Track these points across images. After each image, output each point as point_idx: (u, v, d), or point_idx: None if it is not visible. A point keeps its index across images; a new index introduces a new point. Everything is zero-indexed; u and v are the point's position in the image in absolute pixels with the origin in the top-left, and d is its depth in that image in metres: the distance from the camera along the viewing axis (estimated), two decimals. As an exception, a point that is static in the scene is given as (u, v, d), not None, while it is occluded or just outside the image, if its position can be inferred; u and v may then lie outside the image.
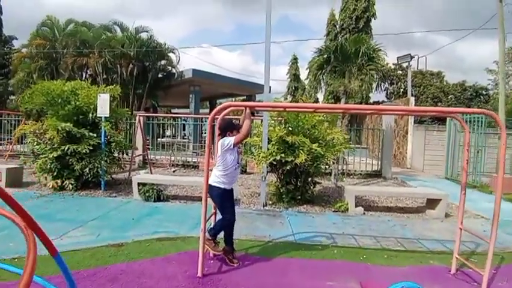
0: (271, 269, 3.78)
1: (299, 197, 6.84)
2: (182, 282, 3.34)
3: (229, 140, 3.62)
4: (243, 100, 26.13)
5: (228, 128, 3.77)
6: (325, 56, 9.81)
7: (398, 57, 14.47)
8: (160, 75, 17.45)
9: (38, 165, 7.28)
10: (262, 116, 6.80)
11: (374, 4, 19.69)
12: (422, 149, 14.45)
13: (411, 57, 14.59)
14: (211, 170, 3.75)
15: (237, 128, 3.78)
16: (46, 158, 7.18)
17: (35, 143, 7.42)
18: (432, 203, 6.76)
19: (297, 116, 6.63)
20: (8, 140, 13.95)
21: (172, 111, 29.28)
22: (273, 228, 5.30)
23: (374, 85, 10.97)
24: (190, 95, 18.53)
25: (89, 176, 7.20)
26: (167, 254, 4.02)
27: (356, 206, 6.55)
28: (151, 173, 9.96)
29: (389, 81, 17.42)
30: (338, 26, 19.95)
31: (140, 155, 11.06)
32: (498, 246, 4.45)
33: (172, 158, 11.76)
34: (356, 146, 10.56)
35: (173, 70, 17.25)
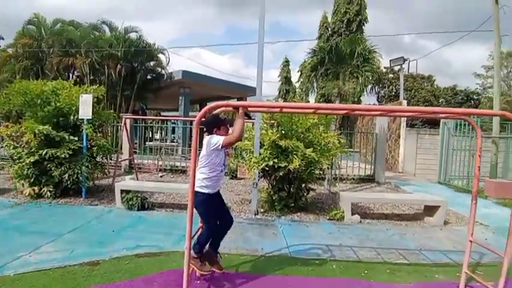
0: (264, 289, 3.37)
1: (292, 205, 6.45)
2: (163, 308, 2.91)
3: (218, 139, 3.19)
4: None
5: (215, 123, 3.35)
6: (319, 56, 9.44)
7: (390, 60, 14.24)
8: (149, 77, 16.90)
9: (15, 170, 6.76)
10: (254, 119, 6.39)
11: (365, 8, 19.56)
12: (414, 153, 14.20)
13: (404, 60, 14.38)
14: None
15: (225, 123, 3.38)
16: (23, 163, 6.65)
17: (12, 146, 6.89)
18: (430, 209, 6.43)
19: (291, 119, 6.25)
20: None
21: (162, 114, 28.70)
22: (266, 239, 4.88)
23: (369, 87, 10.64)
24: (180, 97, 18.02)
25: (68, 182, 6.68)
26: (149, 273, 3.57)
27: (352, 213, 6.18)
28: (137, 178, 9.46)
29: (380, 85, 17.20)
30: (330, 29, 19.74)
31: (126, 159, 10.54)
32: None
33: (160, 163, 11.25)
34: (349, 150, 10.20)
35: (163, 71, 16.71)
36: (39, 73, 16.24)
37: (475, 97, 19.37)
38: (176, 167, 11.41)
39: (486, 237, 5.59)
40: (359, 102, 21.43)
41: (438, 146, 12.81)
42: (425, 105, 19.12)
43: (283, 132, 6.34)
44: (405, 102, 14.51)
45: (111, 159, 9.42)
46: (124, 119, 8.88)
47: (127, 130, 9.16)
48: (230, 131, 3.56)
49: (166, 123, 16.95)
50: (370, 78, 9.65)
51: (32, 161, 6.53)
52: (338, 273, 3.83)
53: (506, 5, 10.43)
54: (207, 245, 3.44)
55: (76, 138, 6.83)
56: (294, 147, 5.87)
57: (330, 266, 3.99)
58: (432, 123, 19.56)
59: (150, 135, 24.29)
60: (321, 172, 6.88)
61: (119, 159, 10.33)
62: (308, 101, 17.38)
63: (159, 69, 16.90)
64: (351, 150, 9.71)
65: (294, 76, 29.44)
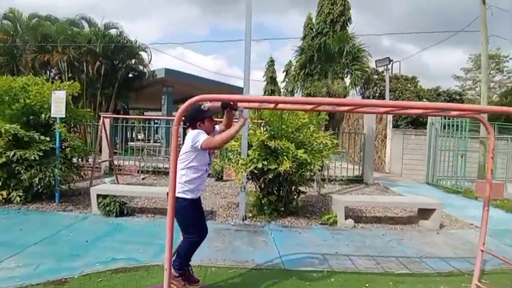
0: (257, 310, 2.94)
1: (282, 209, 6.04)
2: None
3: (203, 136, 2.76)
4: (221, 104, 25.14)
5: (197, 115, 2.89)
6: (308, 54, 9.06)
7: (376, 61, 14.04)
8: (130, 75, 16.21)
9: (-20, 174, 6.12)
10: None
11: (349, 9, 19.38)
12: (400, 153, 14.04)
13: (390, 61, 14.23)
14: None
15: (209, 115, 2.93)
16: (-11, 166, 6.02)
17: (-24, 148, 6.24)
18: (425, 212, 6.14)
19: (280, 118, 5.84)
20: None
21: (146, 114, 27.81)
22: (256, 249, 4.44)
23: (358, 87, 10.33)
24: (163, 96, 17.35)
25: (39, 187, 6.08)
26: (124, 293, 3.09)
27: (346, 217, 5.81)
28: (117, 181, 8.88)
29: (367, 85, 17.03)
30: (314, 29, 19.46)
31: (105, 160, 9.92)
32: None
33: (142, 164, 10.67)
34: (338, 151, 9.87)
35: (145, 69, 16.04)
36: (14, 71, 15.34)
37: (457, 97, 19.46)
38: (159, 168, 10.84)
39: (483, 242, 5.32)
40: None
41: (424, 147, 12.69)
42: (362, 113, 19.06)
43: (272, 132, 5.93)
44: (390, 103, 14.30)
45: (87, 161, 8.79)
46: (102, 118, 8.29)
47: (105, 130, 8.57)
48: (217, 127, 3.11)
49: (149, 123, 16.29)
50: (360, 77, 9.32)
51: (-1, 163, 5.91)
52: (337, 287, 3.44)
53: (494, 6, 10.37)
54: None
55: (48, 139, 6.23)
56: (284, 148, 5.46)
57: (329, 279, 3.59)
58: (416, 124, 19.58)
59: (133, 136, 23.60)
60: (312, 174, 6.49)
61: (98, 161, 9.73)
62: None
63: (141, 67, 16.24)
64: (339, 151, 9.32)
65: (279, 76, 29.23)
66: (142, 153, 11.32)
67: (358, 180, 10.79)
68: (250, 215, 6.04)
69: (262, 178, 5.87)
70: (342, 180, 10.55)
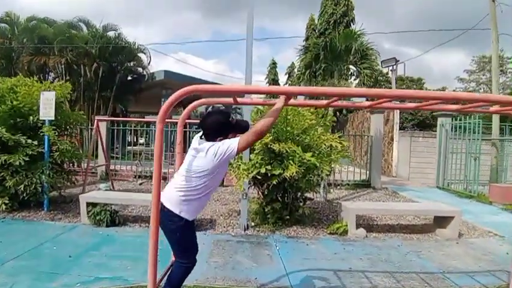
0: None
1: (287, 217, 5.56)
2: None
3: (231, 143, 2.19)
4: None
5: (223, 129, 2.32)
6: (313, 53, 8.62)
7: (382, 61, 13.61)
8: (129, 78, 15.81)
9: (-37, 180, 5.68)
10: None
11: (353, 9, 18.98)
12: (407, 156, 13.55)
13: (396, 61, 13.78)
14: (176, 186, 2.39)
15: (236, 132, 2.36)
16: (-27, 172, 5.58)
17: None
18: (441, 220, 5.65)
19: (285, 119, 5.38)
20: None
21: (146, 117, 27.32)
22: (260, 264, 3.96)
23: (366, 87, 9.85)
24: (162, 99, 16.86)
25: (24, 194, 5.63)
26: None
27: (357, 226, 5.33)
28: (113, 187, 8.43)
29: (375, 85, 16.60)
30: (317, 30, 19.09)
31: (99, 165, 9.48)
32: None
33: (140, 169, 10.22)
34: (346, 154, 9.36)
35: (144, 72, 15.63)
36: (12, 74, 14.99)
37: (465, 99, 18.91)
38: (158, 173, 10.37)
39: (507, 251, 4.84)
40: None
41: (432, 150, 12.19)
42: (387, 109, 18.63)
43: (276, 134, 5.47)
44: (397, 104, 13.84)
45: (79, 166, 8.33)
46: (96, 121, 7.86)
47: (100, 134, 8.13)
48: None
49: (148, 127, 15.84)
50: (370, 76, 8.86)
51: (-18, 169, 5.48)
52: (355, 312, 2.96)
53: (503, 3, 9.91)
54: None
55: (36, 143, 5.79)
56: (290, 152, 4.99)
57: (344, 302, 3.11)
58: (422, 126, 19.08)
59: (134, 140, 23.13)
60: (320, 179, 6.01)
61: (93, 165, 9.31)
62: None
63: (140, 70, 15.82)
64: (348, 154, 8.77)
65: (281, 79, 28.78)
66: (139, 158, 10.87)
67: (365, 184, 10.28)
68: (253, 224, 5.56)
69: (265, 184, 5.40)
70: (348, 184, 10.05)
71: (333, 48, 8.24)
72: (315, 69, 8.95)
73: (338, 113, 14.60)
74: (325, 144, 5.44)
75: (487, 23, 11.13)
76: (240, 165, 5.20)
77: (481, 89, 34.35)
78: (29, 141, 5.74)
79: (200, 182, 2.26)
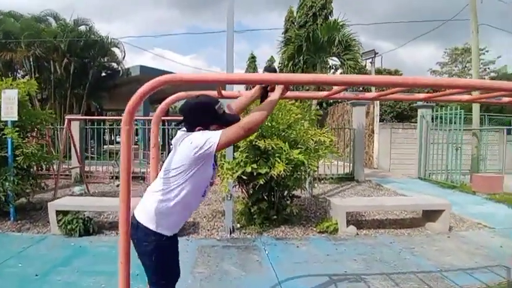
0: None
1: (275, 217, 5.25)
2: None
3: (211, 136, 1.73)
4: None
5: (206, 116, 1.84)
6: (295, 45, 8.29)
7: (361, 53, 13.48)
8: (103, 74, 15.04)
9: None
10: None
11: (331, 2, 18.82)
12: (388, 148, 13.53)
13: (376, 53, 13.67)
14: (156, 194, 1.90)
15: (222, 123, 1.86)
16: None
17: None
18: (431, 213, 5.50)
19: (270, 114, 5.03)
20: None
21: (123, 115, 26.25)
22: (249, 273, 3.63)
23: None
24: (139, 96, 16.28)
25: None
26: None
27: (347, 224, 5.09)
28: (88, 190, 7.90)
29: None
30: (296, 23, 18.79)
31: (74, 167, 8.89)
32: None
33: (116, 169, 9.66)
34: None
35: (118, 67, 14.89)
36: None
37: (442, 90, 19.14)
38: (136, 173, 9.86)
39: (500, 244, 4.73)
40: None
41: (412, 141, 12.18)
42: (395, 101, 18.68)
43: (261, 130, 5.13)
44: (377, 96, 13.75)
45: (47, 170, 7.74)
46: (66, 120, 7.28)
47: (71, 133, 7.56)
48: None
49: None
50: (353, 67, 8.64)
51: None
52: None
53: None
54: None
55: (-4, 146, 5.23)
56: (276, 149, 4.67)
57: (344, 313, 2.83)
58: (401, 118, 19.18)
59: (112, 138, 22.26)
60: (307, 175, 5.73)
61: (66, 168, 8.73)
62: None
63: (114, 65, 15.08)
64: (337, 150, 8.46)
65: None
66: (116, 158, 10.30)
67: (349, 178, 10.13)
68: (239, 225, 5.23)
69: (251, 183, 5.07)
70: (332, 178, 9.86)
71: (315, 40, 7.95)
72: (296, 62, 8.63)
73: (318, 106, 14.43)
74: (312, 140, 5.15)
75: (463, 15, 11.15)
76: (223, 164, 4.83)
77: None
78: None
79: (176, 183, 1.80)
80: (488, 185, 7.96)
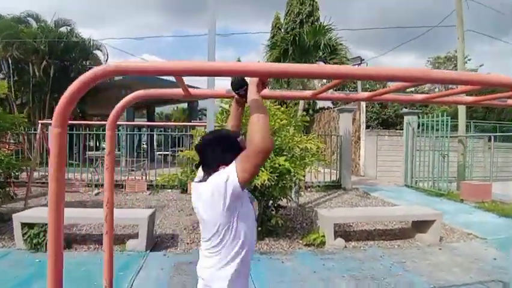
0: None
1: (259, 228, 4.90)
2: None
3: (228, 173, 1.35)
4: (187, 109, 23.48)
5: (229, 148, 1.48)
6: (281, 49, 8.05)
7: (349, 59, 13.35)
8: (85, 78, 14.48)
9: None
10: (205, 121, 4.81)
11: (318, 9, 18.82)
12: (374, 155, 13.39)
13: (362, 60, 13.58)
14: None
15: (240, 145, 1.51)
16: None
17: None
18: (421, 223, 5.25)
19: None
20: None
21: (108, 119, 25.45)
22: (229, 294, 3.27)
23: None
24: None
25: None
26: None
27: (335, 236, 4.78)
28: (63, 198, 7.39)
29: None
30: (283, 29, 18.71)
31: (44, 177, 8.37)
32: None
33: (96, 177, 9.18)
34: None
35: (101, 71, 14.35)
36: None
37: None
38: (117, 181, 9.39)
39: (494, 257, 4.49)
40: (313, 104, 20.61)
41: (398, 148, 12.05)
42: (380, 106, 18.67)
43: (243, 136, 4.80)
44: (363, 103, 13.65)
45: (16, 178, 7.20)
46: (39, 125, 6.82)
47: (45, 139, 7.08)
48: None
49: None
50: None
51: None
52: None
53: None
54: None
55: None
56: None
57: None
58: (387, 125, 19.16)
59: (97, 145, 21.51)
60: (293, 184, 5.42)
61: (43, 175, 8.24)
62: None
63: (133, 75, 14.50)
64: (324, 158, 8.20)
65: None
66: (95, 165, 9.81)
67: (336, 185, 9.88)
68: (221, 238, 4.86)
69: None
70: (319, 186, 9.58)
71: (301, 44, 7.73)
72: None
73: (305, 112, 14.23)
74: (298, 147, 4.85)
75: (447, 22, 11.13)
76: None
77: (436, 88, 35.63)
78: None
79: (226, 235, 1.44)
80: (476, 193, 7.79)
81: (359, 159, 13.89)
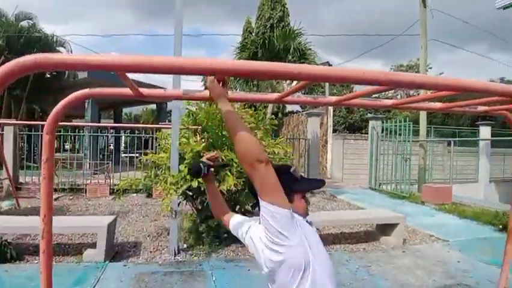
0: None
1: (225, 235, 4.71)
2: None
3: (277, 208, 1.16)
4: (156, 110, 22.85)
5: (284, 183, 1.23)
6: (251, 51, 7.92)
7: (318, 64, 13.50)
8: (47, 75, 13.62)
9: None
10: (170, 123, 4.58)
11: (288, 15, 18.94)
12: (340, 158, 13.57)
13: (330, 66, 13.74)
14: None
15: (303, 190, 1.47)
16: None
17: None
18: (385, 226, 5.28)
19: (220, 123, 4.55)
20: None
21: (74, 121, 24.23)
22: (191, 307, 3.06)
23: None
24: (87, 101, 14.95)
25: None
26: None
27: (302, 241, 4.68)
28: (18, 205, 6.86)
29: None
30: (254, 34, 18.63)
31: (4, 178, 7.74)
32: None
33: (55, 181, 8.59)
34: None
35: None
36: None
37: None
38: (78, 185, 8.86)
39: (458, 259, 4.55)
40: (283, 108, 20.68)
41: (363, 151, 12.28)
42: (347, 111, 19.02)
43: (210, 140, 4.62)
44: (331, 108, 13.82)
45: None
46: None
47: (1, 140, 6.52)
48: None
49: (76, 131, 13.82)
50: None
51: None
52: None
53: (435, 9, 10.12)
54: None
55: None
56: (226, 161, 4.17)
57: None
58: (352, 129, 19.57)
59: (63, 146, 20.36)
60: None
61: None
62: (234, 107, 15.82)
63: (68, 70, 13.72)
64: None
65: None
66: (55, 168, 9.19)
67: (304, 188, 9.85)
68: (186, 245, 4.63)
69: (199, 199, 4.51)
70: (287, 189, 9.50)
71: (271, 47, 7.65)
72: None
73: (274, 116, 14.22)
74: (266, 151, 4.71)
75: (412, 31, 11.49)
76: (167, 178, 4.22)
77: (398, 95, 36.98)
78: None
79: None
80: (437, 195, 8.00)
81: (326, 162, 14.03)
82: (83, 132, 13.49)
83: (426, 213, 7.32)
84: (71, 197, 8.11)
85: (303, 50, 7.94)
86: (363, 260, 4.43)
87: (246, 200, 4.70)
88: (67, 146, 20.03)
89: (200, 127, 4.78)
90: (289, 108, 22.36)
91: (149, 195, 7.91)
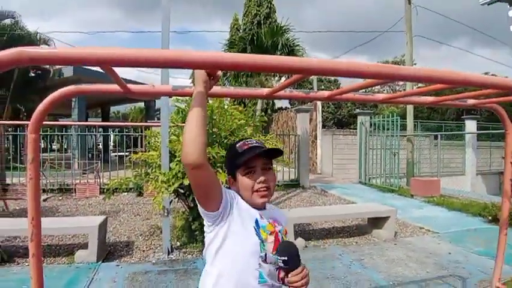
0: None
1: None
2: None
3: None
4: (144, 109, 22.53)
5: (228, 160, 1.35)
6: (239, 48, 7.85)
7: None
8: (32, 74, 13.28)
9: None
10: (159, 121, 4.49)
11: (275, 12, 18.90)
12: (330, 153, 13.62)
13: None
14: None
15: (242, 162, 1.24)
16: None
17: None
18: (376, 220, 5.30)
19: (211, 119, 4.47)
20: None
21: (61, 120, 23.68)
22: (186, 306, 3.01)
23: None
24: (73, 99, 14.62)
25: None
26: None
27: (295, 235, 4.67)
28: (6, 207, 6.67)
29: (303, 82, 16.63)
30: (241, 30, 18.56)
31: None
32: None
33: (44, 181, 8.40)
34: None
35: (49, 67, 13.24)
36: None
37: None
38: (67, 185, 8.67)
39: (448, 251, 4.59)
40: (272, 104, 20.67)
41: (352, 146, 12.36)
42: (335, 107, 19.11)
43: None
44: (319, 103, 13.84)
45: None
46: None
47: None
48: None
49: (63, 130, 13.53)
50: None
51: None
52: None
53: (420, 6, 10.18)
54: None
55: None
56: (217, 158, 4.11)
57: None
58: (341, 125, 19.70)
59: (50, 146, 19.95)
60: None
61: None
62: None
63: (45, 65, 13.40)
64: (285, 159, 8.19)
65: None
66: (42, 168, 8.97)
67: (294, 184, 9.88)
68: (179, 244, 4.56)
69: (191, 196, 4.44)
70: (278, 185, 9.49)
71: (259, 43, 7.59)
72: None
73: (263, 112, 14.18)
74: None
75: (397, 27, 11.57)
76: (158, 176, 4.14)
77: (384, 90, 37.39)
78: None
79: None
80: (426, 188, 8.09)
81: (316, 158, 14.08)
82: (70, 131, 13.24)
83: (416, 206, 7.40)
84: (60, 198, 7.93)
85: (291, 46, 7.91)
86: (356, 254, 4.44)
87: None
88: (54, 146, 19.66)
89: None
90: (278, 104, 22.41)
91: (140, 194, 7.80)
